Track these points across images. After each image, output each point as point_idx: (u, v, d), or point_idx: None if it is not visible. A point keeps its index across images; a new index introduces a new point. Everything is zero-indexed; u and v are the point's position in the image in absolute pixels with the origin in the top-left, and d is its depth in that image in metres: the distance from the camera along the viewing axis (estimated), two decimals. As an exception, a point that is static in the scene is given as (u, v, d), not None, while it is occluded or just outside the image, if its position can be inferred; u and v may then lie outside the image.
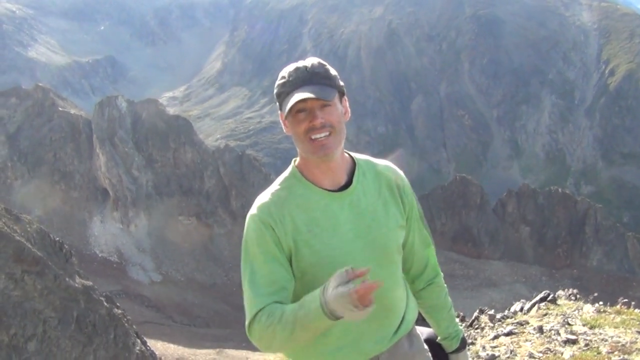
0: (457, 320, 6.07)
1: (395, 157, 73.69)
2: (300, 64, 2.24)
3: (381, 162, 2.47)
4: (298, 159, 2.36)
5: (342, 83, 2.29)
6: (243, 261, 2.28)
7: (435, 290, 2.60)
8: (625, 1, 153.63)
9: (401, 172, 2.48)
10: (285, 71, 2.25)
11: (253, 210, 2.27)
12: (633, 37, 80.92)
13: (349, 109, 2.32)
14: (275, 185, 2.33)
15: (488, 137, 78.45)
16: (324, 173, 2.28)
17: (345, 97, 2.33)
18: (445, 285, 2.66)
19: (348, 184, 2.32)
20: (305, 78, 2.19)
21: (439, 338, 2.67)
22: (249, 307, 2.20)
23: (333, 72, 2.27)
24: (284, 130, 2.32)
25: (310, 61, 2.25)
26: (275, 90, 2.28)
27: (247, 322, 2.21)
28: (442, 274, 2.64)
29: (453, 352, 2.66)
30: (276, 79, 2.31)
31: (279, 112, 2.31)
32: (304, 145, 2.21)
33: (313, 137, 2.18)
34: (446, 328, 2.63)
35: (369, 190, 2.34)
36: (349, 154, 2.39)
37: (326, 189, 2.28)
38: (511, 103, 79.91)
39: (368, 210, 2.30)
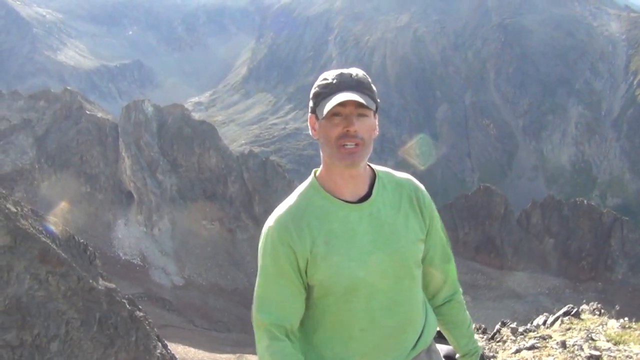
0: (479, 332, 6.03)
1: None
2: (345, 70, 2.23)
3: (402, 174, 2.45)
4: (319, 169, 2.36)
5: (378, 100, 2.29)
6: (259, 265, 2.30)
7: (454, 307, 2.57)
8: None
9: (422, 186, 2.45)
10: (329, 74, 2.24)
11: (270, 222, 2.27)
12: (662, 48, 79.95)
13: (377, 126, 2.31)
14: (294, 196, 2.33)
15: (513, 147, 77.87)
16: (345, 182, 2.27)
17: (377, 114, 2.32)
18: (467, 296, 2.63)
19: (368, 195, 2.30)
20: (350, 84, 2.18)
21: (457, 355, 2.65)
22: (256, 315, 2.27)
23: (374, 87, 2.27)
24: (311, 134, 2.31)
25: (356, 71, 2.24)
26: (313, 91, 2.25)
27: (253, 315, 2.29)
28: (461, 290, 2.61)
29: None
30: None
31: (310, 114, 2.29)
32: (332, 150, 2.20)
33: (344, 143, 2.18)
34: (465, 345, 2.60)
35: (389, 203, 2.32)
36: (369, 166, 2.38)
37: (346, 200, 2.27)
38: (537, 113, 79.25)
39: (387, 222, 2.28)
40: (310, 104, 2.26)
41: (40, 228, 21.40)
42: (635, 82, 77.86)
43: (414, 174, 2.55)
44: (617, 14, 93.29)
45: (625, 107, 76.33)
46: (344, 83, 2.19)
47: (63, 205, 51.02)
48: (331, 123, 2.18)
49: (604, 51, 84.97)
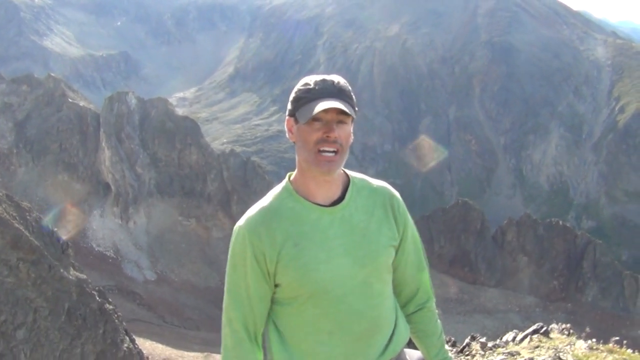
0: (448, 345, 6.04)
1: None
2: (328, 77, 2.25)
3: (378, 182, 2.46)
4: (294, 173, 2.36)
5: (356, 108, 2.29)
6: (228, 266, 2.30)
7: (426, 315, 2.57)
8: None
9: (397, 193, 2.46)
10: (311, 79, 2.25)
11: (241, 222, 2.28)
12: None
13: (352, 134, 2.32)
14: (266, 198, 2.34)
15: (493, 164, 78.44)
16: (319, 186, 2.28)
17: (353, 122, 2.33)
18: (438, 309, 2.63)
19: (341, 199, 2.31)
20: (332, 91, 2.20)
21: None
22: (226, 312, 2.28)
23: (353, 95, 2.28)
24: (288, 136, 2.32)
25: (337, 78, 2.26)
26: (294, 94, 2.26)
27: (222, 322, 2.30)
28: (434, 298, 2.62)
29: None
30: (287, 89, 2.31)
31: (287, 116, 2.30)
32: (310, 155, 2.21)
33: (322, 149, 2.18)
34: (436, 355, 2.59)
35: (362, 208, 2.34)
36: (343, 171, 2.38)
37: (318, 204, 2.27)
38: (519, 132, 79.95)
39: (359, 227, 2.29)
40: (289, 106, 2.27)
41: (15, 214, 21.16)
42: (617, 108, 78.83)
43: (393, 184, 2.55)
44: (603, 39, 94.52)
45: (605, 132, 77.24)
46: (326, 90, 2.20)
47: (39, 192, 50.51)
48: (311, 128, 2.19)
49: (589, 75, 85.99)
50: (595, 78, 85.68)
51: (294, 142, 2.30)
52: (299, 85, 2.26)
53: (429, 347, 2.59)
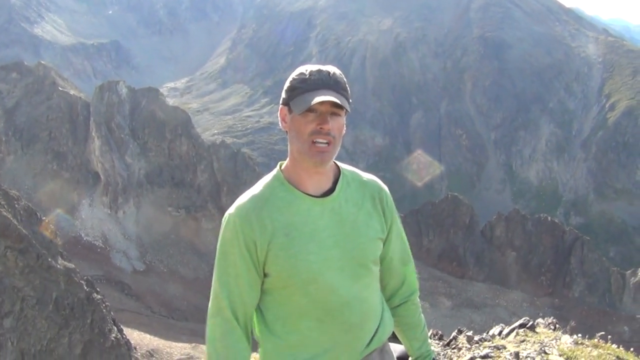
0: (435, 338, 6.08)
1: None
2: (324, 67, 2.24)
3: (367, 175, 2.47)
4: (285, 162, 2.37)
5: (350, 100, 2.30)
6: (217, 254, 2.29)
7: (411, 308, 2.59)
8: (632, 38, 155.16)
9: (385, 187, 2.48)
10: (307, 69, 2.24)
11: (232, 210, 2.27)
12: (636, 74, 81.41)
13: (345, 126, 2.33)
14: (257, 187, 2.34)
15: (483, 159, 78.70)
16: (310, 177, 2.29)
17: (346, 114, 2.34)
18: (426, 303, 2.65)
19: (331, 190, 2.33)
20: (328, 83, 2.20)
21: (410, 358, 2.67)
22: (215, 300, 2.28)
23: (348, 87, 2.29)
24: (281, 125, 2.31)
25: (333, 69, 2.26)
26: (289, 84, 2.25)
27: (209, 312, 2.29)
28: (418, 292, 2.64)
29: None
30: (278, 80, 2.31)
31: (281, 105, 2.30)
32: (303, 146, 2.21)
33: (315, 140, 2.19)
34: (418, 348, 2.62)
35: (352, 200, 2.35)
36: (334, 162, 2.39)
37: (309, 194, 2.29)
38: (509, 127, 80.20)
39: (348, 218, 2.31)
40: (284, 95, 2.27)
41: (3, 202, 21.07)
42: (607, 105, 79.23)
43: (383, 178, 2.57)
44: (595, 36, 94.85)
45: (595, 129, 77.63)
46: (322, 81, 2.20)
47: (28, 180, 50.27)
48: (305, 119, 2.19)
49: (580, 72, 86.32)
50: (586, 75, 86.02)
51: (286, 131, 2.30)
52: (294, 75, 2.26)
53: (412, 340, 2.62)
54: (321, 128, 2.18)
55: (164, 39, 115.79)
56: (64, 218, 47.09)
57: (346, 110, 2.22)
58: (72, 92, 55.97)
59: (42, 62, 60.18)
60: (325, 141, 2.19)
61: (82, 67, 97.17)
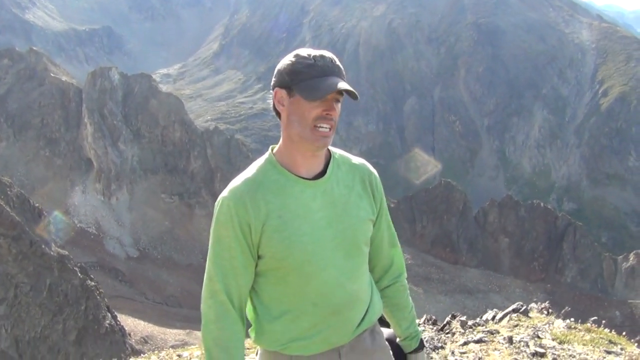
0: (429, 323, 6.11)
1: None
2: (326, 53, 2.25)
3: (357, 158, 2.50)
4: (276, 146, 2.37)
5: None
6: (211, 238, 2.30)
7: (399, 289, 2.63)
8: (626, 24, 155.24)
9: (374, 171, 2.50)
10: (309, 54, 2.23)
11: (225, 193, 2.28)
12: (629, 60, 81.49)
13: None
14: (250, 170, 2.34)
15: (477, 145, 78.80)
16: (305, 160, 2.30)
17: None
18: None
19: (323, 173, 2.34)
20: (333, 69, 2.22)
21: (398, 339, 2.69)
22: (209, 284, 2.28)
23: None
24: (278, 108, 2.30)
25: (330, 54, 2.27)
26: (292, 66, 2.22)
27: (203, 295, 2.30)
28: (406, 273, 2.67)
29: (412, 352, 2.70)
30: (272, 66, 2.31)
31: (279, 88, 2.28)
32: (305, 130, 2.21)
33: (319, 125, 2.20)
34: (407, 328, 2.65)
35: (343, 182, 2.37)
36: None
37: (301, 177, 2.30)
38: (503, 114, 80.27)
39: (340, 200, 2.33)
40: (285, 77, 2.24)
41: (-5, 188, 21.01)
42: (600, 91, 79.36)
43: (376, 164, 2.58)
44: (589, 22, 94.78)
45: (588, 115, 77.79)
46: (328, 67, 2.21)
47: (20, 167, 50.11)
48: (311, 104, 2.19)
49: (573, 58, 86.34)
50: (580, 61, 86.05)
51: (277, 114, 2.31)
52: (295, 58, 2.24)
53: (401, 320, 2.65)
54: (327, 114, 2.20)
55: (156, 25, 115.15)
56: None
57: (354, 96, 2.24)
58: (64, 78, 55.69)
59: (34, 48, 59.84)
60: (328, 126, 2.21)
61: (74, 53, 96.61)
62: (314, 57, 2.21)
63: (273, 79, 2.30)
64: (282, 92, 2.26)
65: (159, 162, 53.96)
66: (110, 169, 51.61)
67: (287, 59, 2.26)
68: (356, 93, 2.19)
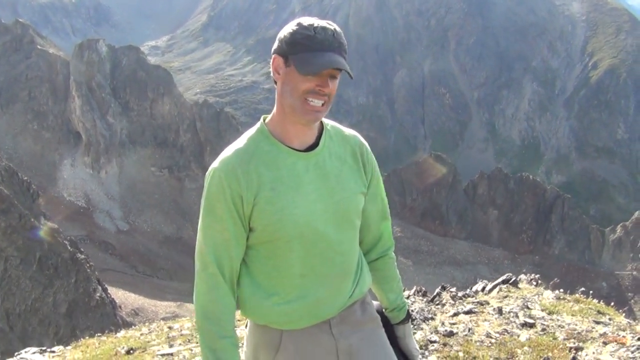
0: (419, 295, 6.15)
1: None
2: (328, 25, 2.17)
3: (349, 130, 2.47)
4: (269, 116, 2.34)
5: None
6: (202, 210, 2.26)
7: (388, 262, 2.62)
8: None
9: (366, 143, 2.48)
10: (311, 24, 2.15)
11: (216, 164, 2.24)
12: (619, 33, 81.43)
13: None
14: (241, 141, 2.31)
15: (466, 118, 78.82)
16: (298, 132, 2.26)
17: None
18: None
19: (315, 145, 2.31)
20: (333, 44, 2.14)
21: (385, 310, 2.71)
22: (200, 256, 2.26)
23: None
24: (274, 76, 2.26)
25: (334, 26, 2.19)
26: (291, 36, 2.15)
27: (196, 268, 2.26)
28: (394, 246, 2.67)
29: (398, 323, 2.72)
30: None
31: (277, 55, 2.23)
32: (295, 102, 2.16)
33: (310, 99, 2.16)
34: (394, 300, 2.66)
35: (335, 154, 2.34)
36: None
37: (293, 148, 2.28)
38: (493, 86, 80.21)
39: (333, 173, 2.30)
40: (283, 46, 2.19)
41: (-17, 162, 20.88)
42: (590, 64, 79.39)
43: (366, 137, 2.56)
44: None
45: (578, 88, 77.89)
46: (328, 41, 2.14)
47: (8, 141, 49.75)
48: (304, 77, 2.14)
49: (564, 31, 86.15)
50: (570, 33, 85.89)
51: (274, 81, 2.26)
52: (297, 27, 2.16)
53: (389, 292, 2.65)
54: (320, 89, 2.14)
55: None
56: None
57: (349, 74, 2.19)
58: (51, 50, 55.06)
59: (20, 20, 59.02)
60: (321, 102, 2.16)
61: (60, 25, 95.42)
62: (315, 28, 2.14)
63: (274, 44, 2.23)
64: (280, 60, 2.21)
65: (148, 135, 53.69)
66: (99, 142, 51.32)
67: (289, 27, 2.20)
68: (351, 74, 2.14)
